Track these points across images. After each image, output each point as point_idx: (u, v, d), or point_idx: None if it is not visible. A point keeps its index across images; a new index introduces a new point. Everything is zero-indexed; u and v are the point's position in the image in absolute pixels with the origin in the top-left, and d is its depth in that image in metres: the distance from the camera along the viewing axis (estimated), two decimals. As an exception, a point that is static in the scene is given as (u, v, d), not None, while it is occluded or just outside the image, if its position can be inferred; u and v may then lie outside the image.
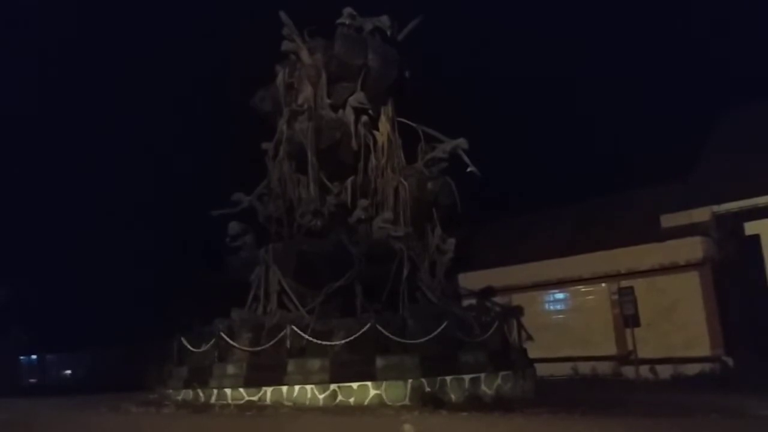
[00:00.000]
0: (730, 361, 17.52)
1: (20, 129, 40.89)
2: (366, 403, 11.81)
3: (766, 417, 10.21)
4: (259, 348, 13.13)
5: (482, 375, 12.72)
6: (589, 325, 20.50)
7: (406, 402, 11.73)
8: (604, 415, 10.51)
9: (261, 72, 16.82)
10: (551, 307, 22.01)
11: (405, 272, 13.94)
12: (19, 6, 40.85)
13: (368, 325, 12.34)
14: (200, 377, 13.69)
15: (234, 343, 13.50)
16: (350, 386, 12.00)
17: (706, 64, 34.64)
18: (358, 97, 15.47)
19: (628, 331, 18.00)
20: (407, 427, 9.22)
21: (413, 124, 16.41)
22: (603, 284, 20.58)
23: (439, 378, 12.15)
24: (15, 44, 42.28)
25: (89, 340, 31.99)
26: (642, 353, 17.63)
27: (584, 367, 19.75)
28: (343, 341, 12.46)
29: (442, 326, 12.68)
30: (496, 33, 37.43)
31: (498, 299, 16.82)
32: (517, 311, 15.95)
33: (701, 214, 19.10)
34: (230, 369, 13.37)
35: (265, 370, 12.82)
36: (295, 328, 12.79)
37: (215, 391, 13.13)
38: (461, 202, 15.83)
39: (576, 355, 20.04)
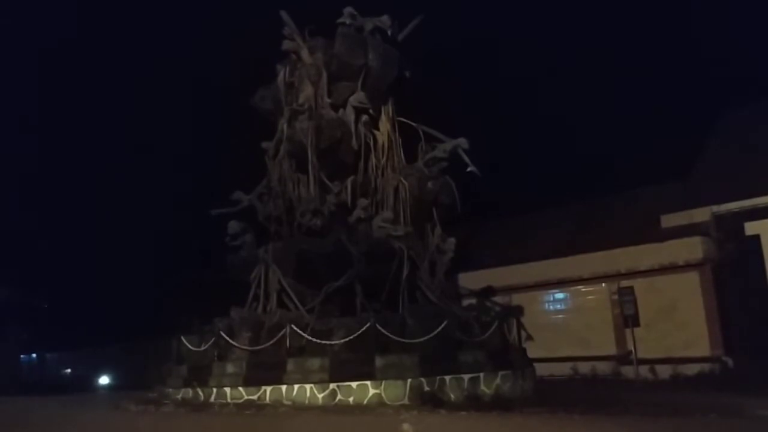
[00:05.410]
0: (729, 361, 17.52)
1: (20, 129, 40.99)
2: (365, 402, 11.79)
3: (765, 417, 10.21)
4: (258, 347, 13.11)
5: (481, 374, 12.69)
6: (589, 325, 20.50)
7: (405, 401, 11.71)
8: (603, 414, 10.51)
9: (261, 71, 16.83)
10: (551, 307, 22.01)
11: (405, 272, 13.93)
12: (19, 6, 40.89)
13: (368, 325, 12.32)
14: (200, 376, 13.67)
15: (233, 342, 13.49)
16: (349, 385, 11.99)
17: (706, 64, 34.64)
18: (358, 97, 15.48)
19: (627, 331, 18.00)
20: (406, 426, 9.21)
21: (413, 124, 16.42)
22: (603, 284, 20.58)
23: (438, 377, 12.13)
24: (15, 45, 42.33)
25: (89, 338, 32.04)
26: (642, 353, 17.63)
27: (584, 367, 19.76)
28: (342, 340, 12.45)
29: (442, 326, 12.65)
30: (496, 33, 37.47)
31: (498, 299, 16.80)
32: (517, 311, 15.93)
33: (701, 214, 19.10)
34: (230, 368, 13.36)
35: (265, 369, 12.80)
36: (295, 328, 12.79)
37: (215, 389, 13.11)
38: (461, 202, 15.83)
39: (576, 355, 20.05)
